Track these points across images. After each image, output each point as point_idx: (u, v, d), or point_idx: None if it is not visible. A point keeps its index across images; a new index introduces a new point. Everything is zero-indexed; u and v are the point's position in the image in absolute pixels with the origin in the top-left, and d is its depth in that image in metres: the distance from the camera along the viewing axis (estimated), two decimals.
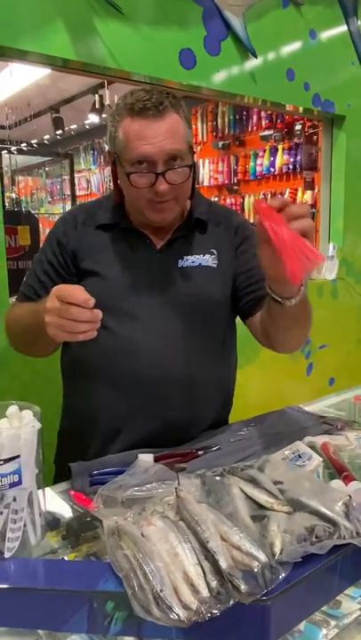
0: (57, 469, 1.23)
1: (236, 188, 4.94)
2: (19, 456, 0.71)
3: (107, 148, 1.20)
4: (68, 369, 1.29)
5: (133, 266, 1.19)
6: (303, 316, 1.15)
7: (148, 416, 1.17)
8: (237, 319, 1.33)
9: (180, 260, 1.21)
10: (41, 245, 1.31)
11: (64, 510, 0.94)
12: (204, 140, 5.05)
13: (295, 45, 2.44)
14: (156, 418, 1.17)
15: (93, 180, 7.28)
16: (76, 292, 0.90)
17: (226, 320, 1.29)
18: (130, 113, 1.07)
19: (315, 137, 3.54)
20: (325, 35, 2.56)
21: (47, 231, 1.30)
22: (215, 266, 1.23)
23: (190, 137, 1.13)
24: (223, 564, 0.64)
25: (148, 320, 1.17)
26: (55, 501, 0.97)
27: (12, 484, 0.71)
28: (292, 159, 4.28)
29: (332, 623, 0.98)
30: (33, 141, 5.80)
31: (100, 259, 1.20)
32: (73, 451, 1.19)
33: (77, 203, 5.69)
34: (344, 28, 2.65)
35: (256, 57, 2.24)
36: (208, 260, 1.23)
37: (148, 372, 1.15)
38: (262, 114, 4.48)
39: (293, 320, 1.14)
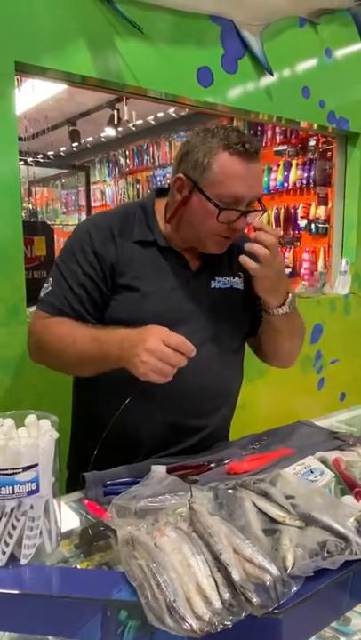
0: (69, 475, 1.25)
1: None
2: (37, 464, 0.73)
3: (180, 173, 1.16)
4: (101, 383, 1.20)
5: (171, 284, 1.21)
6: (293, 326, 1.27)
7: (175, 424, 1.21)
8: None
9: (212, 282, 1.26)
10: (59, 254, 1.25)
11: (77, 519, 0.96)
12: None
13: (311, 63, 2.47)
14: (182, 427, 1.22)
15: (108, 191, 7.36)
16: (184, 340, 0.94)
17: (244, 335, 1.36)
18: (228, 150, 1.10)
19: (329, 153, 3.56)
20: (341, 53, 2.59)
21: (62, 242, 1.27)
22: (242, 288, 1.29)
23: None
24: (236, 577, 0.65)
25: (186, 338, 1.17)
26: (69, 510, 0.98)
27: (30, 492, 0.73)
28: (305, 174, 4.29)
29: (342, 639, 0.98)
30: (50, 153, 5.89)
31: (139, 275, 1.18)
32: (89, 459, 1.15)
33: (93, 213, 5.73)
34: (359, 46, 2.68)
35: (272, 74, 2.27)
36: (238, 282, 1.29)
37: (185, 385, 1.14)
38: (277, 129, 4.51)
39: (284, 332, 1.25)
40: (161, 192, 1.28)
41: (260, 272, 1.13)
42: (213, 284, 1.26)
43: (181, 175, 1.15)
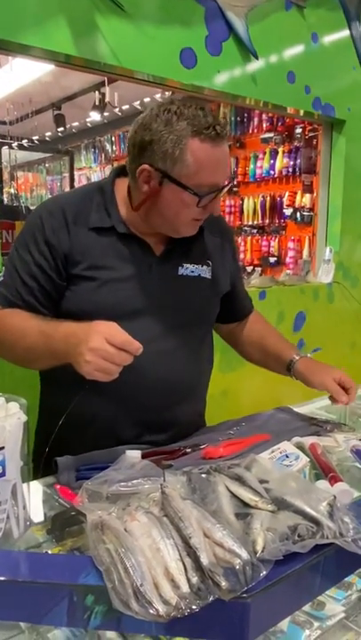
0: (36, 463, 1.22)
1: (235, 189, 4.94)
2: (3, 447, 0.71)
3: (144, 164, 1.07)
4: (60, 374, 1.15)
5: (130, 272, 1.15)
6: None
7: (144, 421, 1.17)
8: None
9: (180, 268, 1.20)
10: (14, 241, 1.18)
11: (49, 504, 0.94)
12: None
13: (297, 48, 2.44)
14: (152, 422, 1.18)
15: (94, 177, 7.28)
16: (129, 338, 0.90)
17: (212, 324, 1.35)
18: (199, 136, 1.02)
19: (315, 140, 3.55)
20: (327, 38, 2.57)
21: None
22: (210, 278, 1.25)
23: None
24: (205, 561, 0.64)
25: (148, 328, 1.13)
26: (40, 495, 0.97)
27: None
28: (291, 162, 4.28)
29: (316, 624, 0.98)
30: (34, 138, 5.80)
31: (95, 264, 1.12)
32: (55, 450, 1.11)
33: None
34: (346, 32, 2.65)
35: (257, 58, 2.24)
36: (205, 271, 1.24)
37: (148, 380, 1.13)
38: (263, 116, 4.48)
39: None
40: (122, 171, 1.20)
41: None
42: (181, 271, 1.20)
43: (147, 166, 1.07)
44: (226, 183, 1.10)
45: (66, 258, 1.12)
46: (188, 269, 1.21)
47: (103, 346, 0.89)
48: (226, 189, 1.12)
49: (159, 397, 1.17)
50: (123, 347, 0.90)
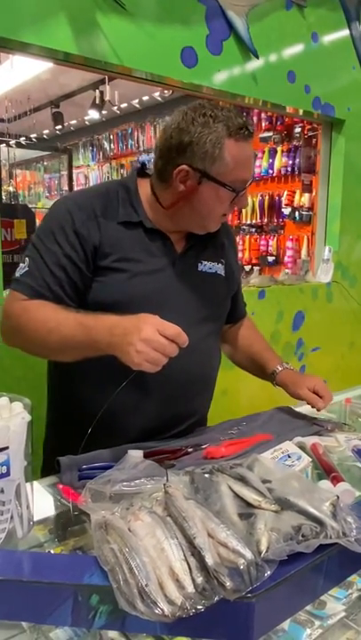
0: (45, 461, 1.23)
1: None
2: (7, 447, 0.71)
3: (182, 165, 1.13)
4: (77, 369, 1.17)
5: (158, 266, 1.19)
6: None
7: (167, 413, 1.20)
8: None
9: (199, 264, 1.26)
10: (36, 232, 1.19)
11: (52, 504, 0.94)
12: None
13: (297, 48, 2.44)
14: (174, 414, 1.22)
15: (92, 176, 7.26)
16: (180, 330, 0.94)
17: (223, 321, 1.40)
18: (235, 136, 1.11)
19: (314, 140, 3.54)
20: (327, 38, 2.56)
21: None
22: (224, 275, 1.31)
23: None
24: (209, 561, 0.64)
25: (173, 320, 1.11)
26: (43, 495, 0.97)
27: (1, 476, 0.71)
28: (290, 161, 4.27)
29: (317, 623, 0.99)
30: (32, 135, 5.78)
31: (125, 256, 1.15)
32: (68, 445, 1.11)
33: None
34: (346, 32, 2.65)
35: (258, 58, 2.24)
36: (221, 268, 1.30)
37: (173, 371, 1.09)
38: (262, 115, 4.47)
39: None
40: (141, 172, 1.26)
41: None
42: (200, 267, 1.26)
43: (185, 167, 1.12)
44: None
45: (95, 250, 1.14)
46: (207, 266, 1.27)
47: (155, 336, 0.92)
48: (250, 184, 1.20)
49: (182, 389, 1.20)
50: (173, 338, 0.93)
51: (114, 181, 1.31)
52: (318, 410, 1.32)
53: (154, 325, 0.93)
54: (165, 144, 1.15)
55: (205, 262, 1.27)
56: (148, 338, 0.92)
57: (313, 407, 1.33)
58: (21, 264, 1.15)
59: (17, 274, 1.14)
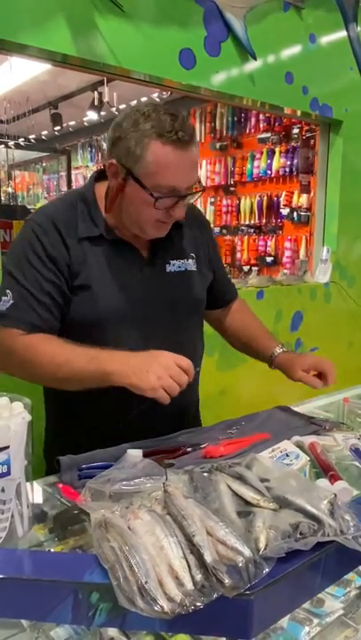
0: (48, 463, 1.24)
1: (232, 189, 4.95)
2: (8, 447, 0.72)
3: (113, 159, 1.11)
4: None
5: (124, 277, 1.18)
6: None
7: (156, 409, 1.17)
8: None
9: (167, 266, 1.25)
10: (6, 261, 1.17)
11: (52, 503, 0.95)
12: (202, 140, 5.05)
13: (295, 49, 2.45)
14: (162, 410, 1.17)
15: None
16: (192, 365, 1.01)
17: (202, 313, 1.40)
18: (161, 139, 1.05)
19: (312, 141, 3.55)
20: (325, 39, 2.58)
21: None
22: (196, 269, 1.30)
23: None
24: (208, 558, 0.64)
25: (150, 326, 1.19)
26: (43, 494, 0.97)
27: (1, 475, 0.72)
28: (288, 162, 4.29)
29: (315, 621, 0.99)
30: (31, 136, 5.78)
31: (91, 273, 1.15)
32: (65, 446, 1.14)
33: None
34: (344, 33, 2.67)
35: (256, 59, 2.25)
36: (191, 264, 1.29)
37: None
38: (260, 116, 4.49)
39: None
40: (100, 175, 1.22)
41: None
42: (169, 268, 1.24)
43: (114, 161, 1.10)
44: (189, 190, 1.11)
45: (69, 269, 1.14)
46: (175, 265, 1.26)
47: (173, 365, 0.99)
48: (191, 198, 1.14)
49: None
50: (186, 370, 1.00)
51: (74, 191, 1.30)
52: (321, 387, 1.30)
53: (170, 356, 1.00)
54: (108, 137, 1.15)
55: (173, 262, 1.25)
56: (168, 365, 0.98)
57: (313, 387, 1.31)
58: (3, 297, 1.13)
59: (2, 307, 1.12)
